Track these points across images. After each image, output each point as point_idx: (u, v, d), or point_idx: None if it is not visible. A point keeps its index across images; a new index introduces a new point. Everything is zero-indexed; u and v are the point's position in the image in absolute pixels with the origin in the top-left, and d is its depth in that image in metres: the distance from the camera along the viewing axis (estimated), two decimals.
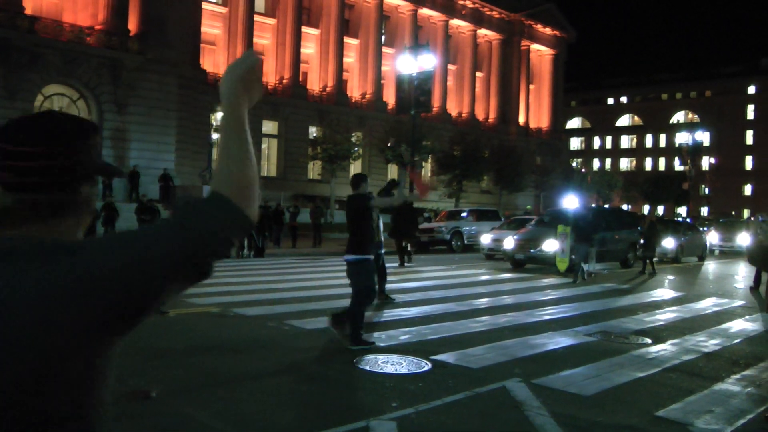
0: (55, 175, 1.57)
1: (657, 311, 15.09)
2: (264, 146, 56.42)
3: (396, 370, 8.92)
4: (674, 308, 15.71)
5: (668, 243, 29.85)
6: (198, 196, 2.10)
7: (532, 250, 23.76)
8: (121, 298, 1.45)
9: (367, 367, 8.94)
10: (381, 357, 9.57)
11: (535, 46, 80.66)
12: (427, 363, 9.31)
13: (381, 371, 8.82)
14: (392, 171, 63.02)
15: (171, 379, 8.21)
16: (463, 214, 36.41)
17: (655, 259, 25.41)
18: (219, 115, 45.40)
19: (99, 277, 1.44)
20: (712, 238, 40.51)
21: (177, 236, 1.50)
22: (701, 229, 38.88)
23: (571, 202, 23.98)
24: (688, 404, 7.77)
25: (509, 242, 24.81)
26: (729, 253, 38.30)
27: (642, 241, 25.65)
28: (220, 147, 1.71)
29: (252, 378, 8.30)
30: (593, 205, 35.44)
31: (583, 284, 19.88)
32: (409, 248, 25.24)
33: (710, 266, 30.47)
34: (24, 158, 1.54)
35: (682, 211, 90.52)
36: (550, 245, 23.00)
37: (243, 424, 6.54)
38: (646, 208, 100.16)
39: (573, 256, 21.64)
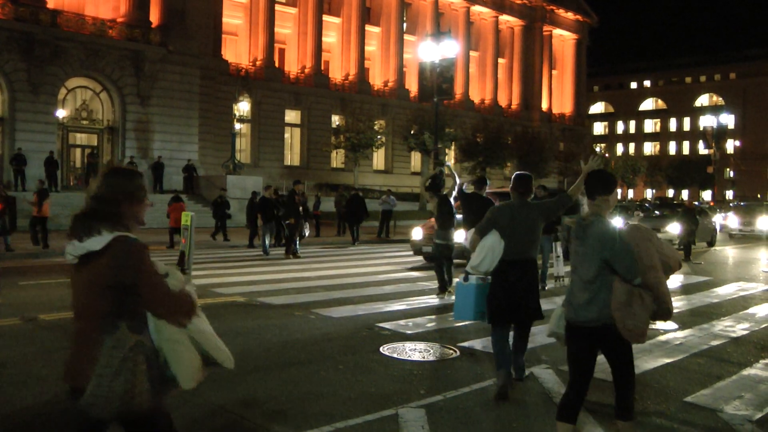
0: None
1: (682, 296, 15.01)
2: (287, 135, 56.45)
3: (424, 357, 8.93)
4: (700, 293, 15.61)
5: (674, 228, 28.53)
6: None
7: None
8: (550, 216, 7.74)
9: (395, 355, 8.96)
10: (408, 344, 9.59)
11: (557, 32, 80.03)
12: (455, 350, 9.33)
13: (409, 359, 8.84)
14: (415, 159, 62.93)
15: None
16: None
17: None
18: (241, 105, 45.46)
19: (540, 210, 7.65)
20: (731, 221, 39.71)
21: (562, 203, 7.58)
22: (715, 212, 37.99)
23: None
24: (717, 390, 7.75)
25: (417, 232, 20.38)
26: (750, 238, 37.67)
27: (679, 228, 25.38)
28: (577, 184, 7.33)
29: (280, 367, 8.34)
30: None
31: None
32: (357, 231, 29.40)
33: (732, 251, 30.18)
34: None
35: (707, 195, 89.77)
36: (462, 236, 18.50)
37: (272, 414, 6.58)
38: (670, 193, 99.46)
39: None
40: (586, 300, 5.04)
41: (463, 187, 13.74)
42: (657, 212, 34.35)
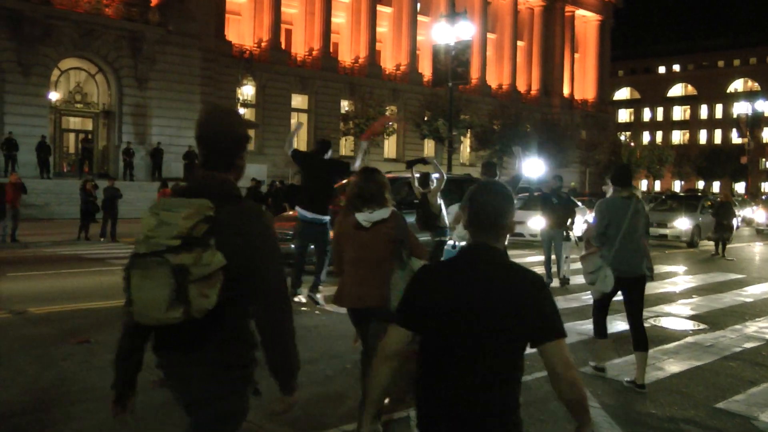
0: None
1: (714, 295, 14.91)
2: (293, 121, 56.31)
3: None
4: (733, 292, 15.50)
5: (682, 224, 27.73)
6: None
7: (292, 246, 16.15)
8: None
9: None
10: None
11: (579, 12, 79.66)
12: None
13: None
14: (428, 146, 62.83)
15: None
16: None
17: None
18: (245, 89, 45.46)
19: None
20: (759, 216, 39.12)
21: (516, 180, 11.76)
22: (747, 205, 37.33)
23: (535, 168, 15.10)
24: (752, 396, 7.69)
25: None
26: None
27: (715, 221, 25.13)
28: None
29: None
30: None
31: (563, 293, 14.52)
32: None
33: (765, 248, 29.98)
34: None
35: (740, 187, 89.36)
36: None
37: (275, 416, 6.53)
38: (700, 184, 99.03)
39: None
40: (637, 260, 7.86)
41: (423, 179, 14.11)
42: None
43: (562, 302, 13.40)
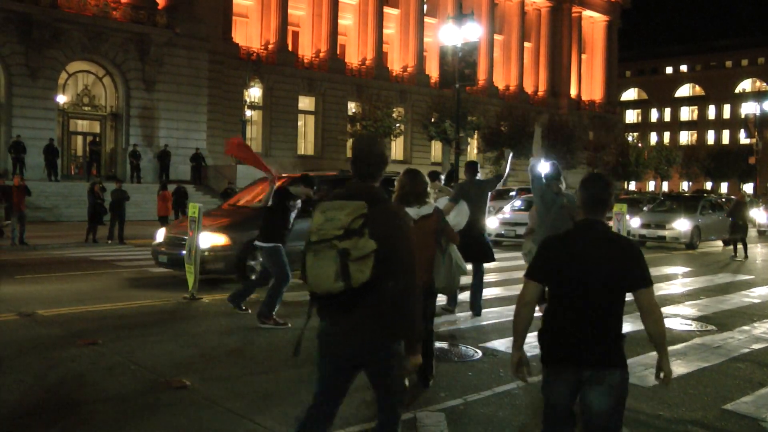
0: None
1: (722, 296, 14.86)
2: (300, 123, 56.37)
3: (444, 358, 8.88)
4: (741, 293, 15.44)
5: (680, 225, 27.02)
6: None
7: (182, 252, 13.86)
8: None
9: None
10: None
11: (587, 13, 79.52)
12: (477, 351, 9.27)
13: None
14: (436, 148, 62.83)
15: (206, 368, 8.26)
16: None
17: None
18: (252, 91, 45.51)
19: (488, 184, 12.08)
20: (761, 217, 38.62)
21: (498, 179, 12.47)
22: (755, 205, 36.73)
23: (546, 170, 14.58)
24: (760, 398, 7.66)
25: (160, 233, 16.21)
26: None
27: (730, 221, 24.89)
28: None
29: (292, 367, 8.22)
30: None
31: None
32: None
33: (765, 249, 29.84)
34: None
35: (749, 187, 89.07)
36: (208, 240, 14.13)
37: (282, 418, 6.54)
38: (708, 185, 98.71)
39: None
40: None
41: None
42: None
43: None
